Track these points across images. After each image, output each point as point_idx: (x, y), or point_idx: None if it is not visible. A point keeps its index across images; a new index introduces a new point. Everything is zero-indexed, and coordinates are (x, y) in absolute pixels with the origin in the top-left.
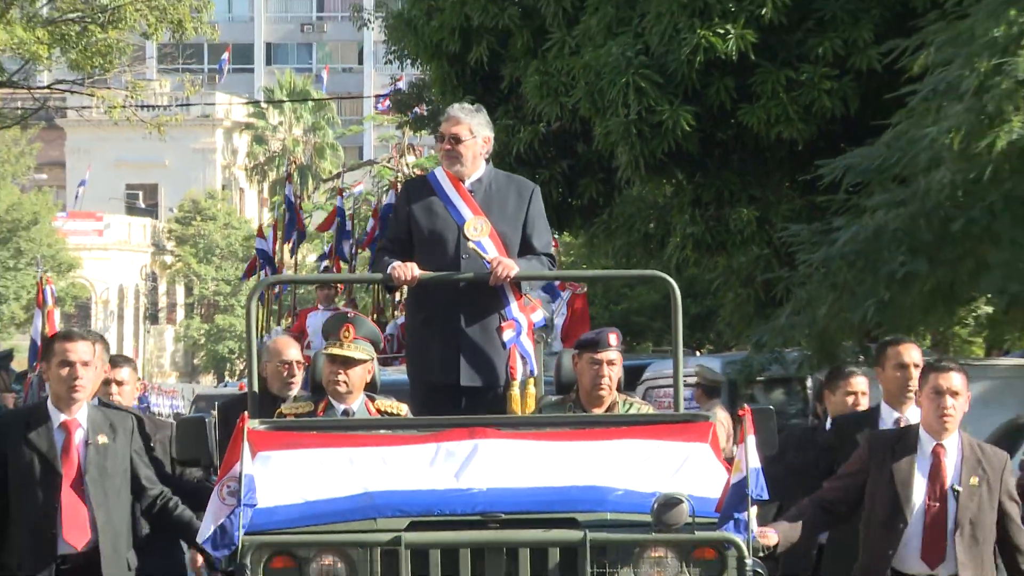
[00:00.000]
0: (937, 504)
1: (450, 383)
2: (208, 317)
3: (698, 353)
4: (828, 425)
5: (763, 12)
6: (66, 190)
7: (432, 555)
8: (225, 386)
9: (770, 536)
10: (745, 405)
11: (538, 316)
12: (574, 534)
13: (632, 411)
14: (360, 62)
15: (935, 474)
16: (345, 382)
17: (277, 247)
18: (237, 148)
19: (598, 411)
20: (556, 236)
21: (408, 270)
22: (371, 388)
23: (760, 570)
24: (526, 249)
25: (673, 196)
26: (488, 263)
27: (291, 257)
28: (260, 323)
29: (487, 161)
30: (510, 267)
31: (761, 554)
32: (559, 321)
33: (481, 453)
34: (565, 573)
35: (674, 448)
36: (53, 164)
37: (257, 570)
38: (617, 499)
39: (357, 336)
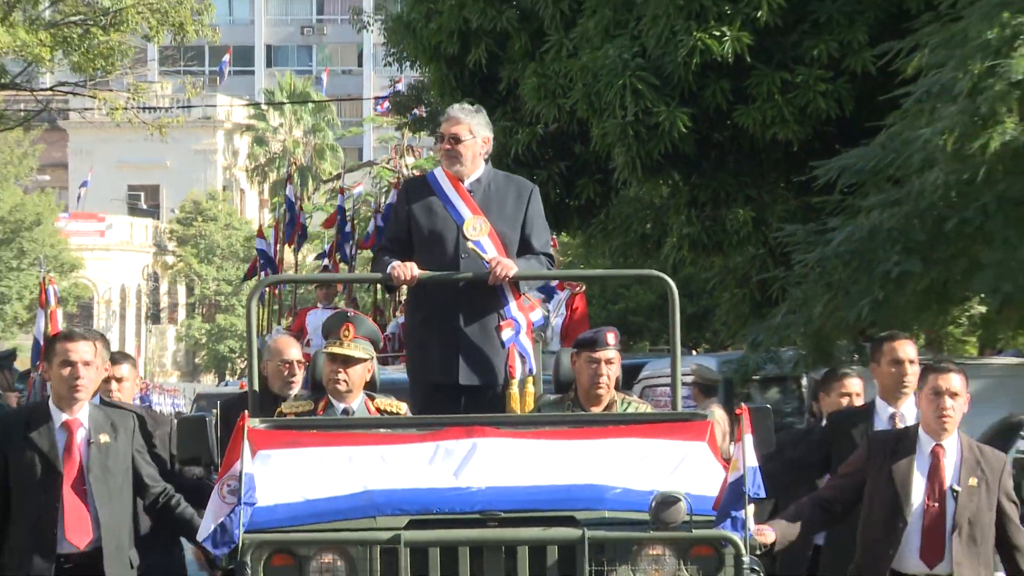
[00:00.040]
0: (936, 504)
1: (449, 382)
2: (209, 317)
3: (694, 352)
4: (824, 423)
5: (759, 15)
6: (68, 191)
7: (431, 553)
8: (226, 385)
9: (767, 534)
10: (742, 404)
11: (537, 315)
12: (572, 532)
13: (630, 410)
14: (360, 64)
15: (934, 474)
16: (345, 381)
17: (277, 247)
18: (238, 149)
19: (596, 410)
20: (554, 236)
21: (407, 270)
22: (371, 387)
23: (757, 568)
24: (525, 249)
25: (669, 197)
26: (487, 263)
27: (294, 256)
28: (260, 323)
29: (486, 161)
30: (509, 267)
31: (758, 552)
32: (558, 321)
33: (480, 452)
34: (563, 571)
35: (672, 447)
36: (56, 165)
37: (257, 568)
38: (615, 497)
39: (357, 335)
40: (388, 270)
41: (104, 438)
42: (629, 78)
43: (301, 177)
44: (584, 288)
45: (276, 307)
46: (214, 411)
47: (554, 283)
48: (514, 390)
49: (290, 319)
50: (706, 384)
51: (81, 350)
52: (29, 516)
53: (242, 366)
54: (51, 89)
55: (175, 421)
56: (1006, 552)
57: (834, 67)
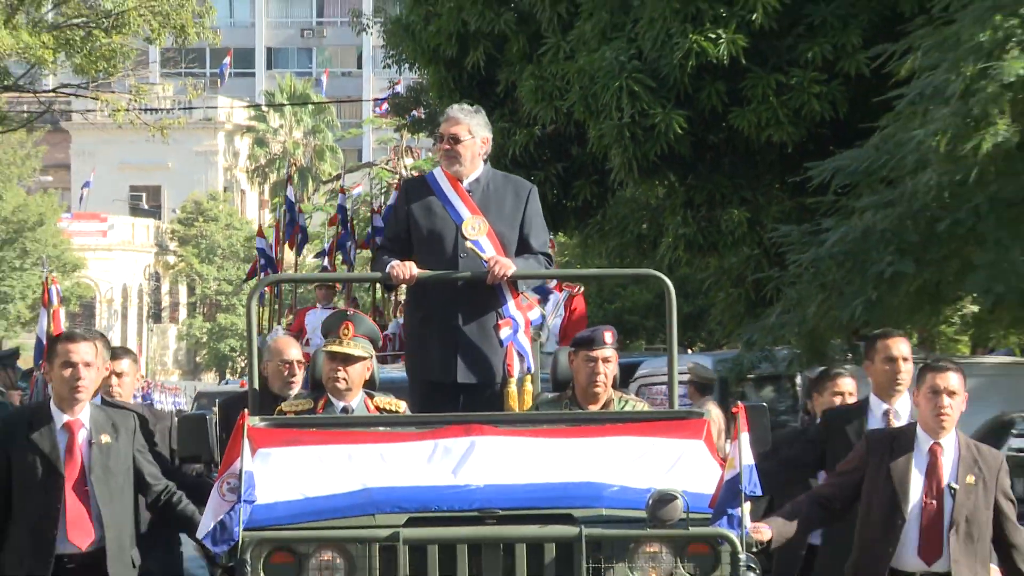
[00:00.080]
0: (934, 502)
1: (448, 380)
2: (210, 316)
3: (690, 351)
4: (818, 421)
5: (754, 17)
6: (71, 192)
7: (430, 551)
8: (227, 383)
9: (763, 532)
10: (739, 402)
11: (535, 314)
12: (570, 530)
13: (627, 408)
14: (359, 66)
15: (932, 472)
16: (344, 379)
17: (277, 248)
18: (238, 150)
19: (594, 408)
20: (551, 236)
21: (406, 269)
22: (370, 385)
23: (753, 565)
24: (523, 248)
25: (665, 198)
26: (485, 262)
27: (297, 256)
28: (261, 322)
29: (485, 161)
30: (507, 266)
31: (754, 549)
32: (556, 322)
33: (478, 450)
34: (561, 568)
35: (669, 445)
36: (58, 166)
37: (257, 565)
38: (612, 495)
39: (356, 334)
40: (387, 269)
41: (105, 438)
42: (625, 80)
43: (301, 178)
44: (582, 290)
45: (276, 307)
46: (214, 409)
47: (551, 285)
48: (512, 388)
49: (290, 317)
50: (702, 383)
51: (82, 351)
52: (30, 517)
53: (243, 365)
54: (54, 91)
55: (176, 418)
56: (1003, 550)
57: (828, 69)
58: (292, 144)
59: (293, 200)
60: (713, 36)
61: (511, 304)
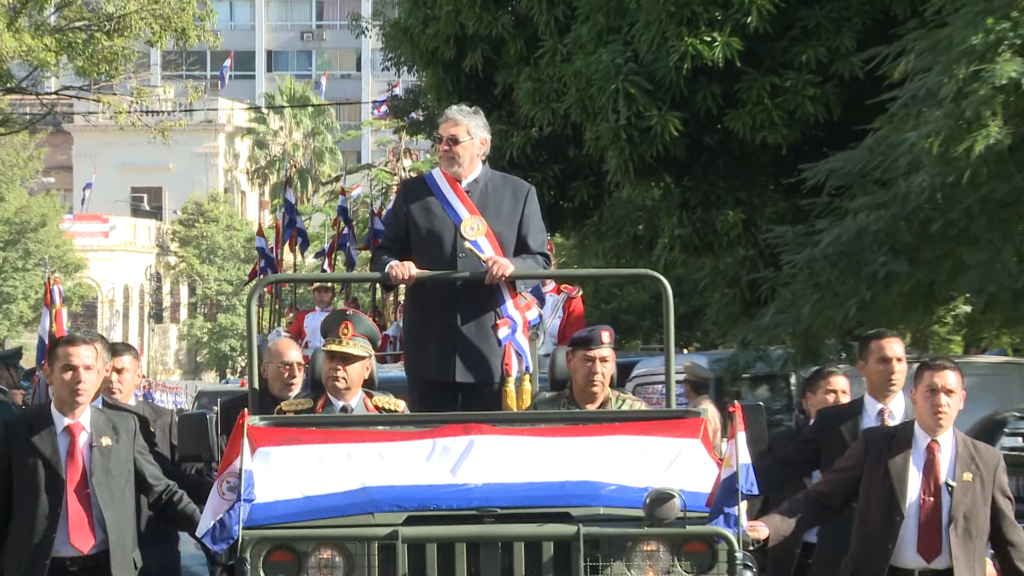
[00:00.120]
0: (931, 499)
1: (446, 380)
2: (211, 316)
3: (686, 351)
4: (812, 421)
5: (748, 21)
6: (73, 193)
7: (428, 549)
8: (227, 383)
9: (760, 530)
10: (736, 402)
11: (533, 314)
12: (568, 528)
13: (625, 407)
14: (358, 69)
15: (929, 469)
16: (344, 378)
17: (277, 249)
18: (239, 152)
19: (591, 407)
20: (548, 237)
21: (406, 269)
22: (369, 385)
23: (750, 563)
24: (521, 248)
25: (661, 199)
26: (484, 262)
27: (302, 256)
28: (261, 322)
29: (484, 162)
30: (505, 266)
31: (751, 547)
32: (555, 323)
33: (477, 449)
34: (559, 566)
35: (666, 444)
36: (60, 168)
37: (257, 564)
38: (610, 494)
39: (356, 333)
40: (386, 269)
41: (106, 441)
42: (622, 83)
43: (301, 179)
44: (580, 292)
45: (276, 307)
46: (215, 408)
47: (547, 289)
48: (510, 387)
49: (290, 316)
50: (698, 382)
51: (82, 354)
52: (30, 520)
53: (243, 364)
54: (56, 93)
55: (176, 415)
56: (1000, 548)
57: (822, 72)
58: (292, 146)
59: (292, 202)
60: (708, 39)
61: (509, 304)
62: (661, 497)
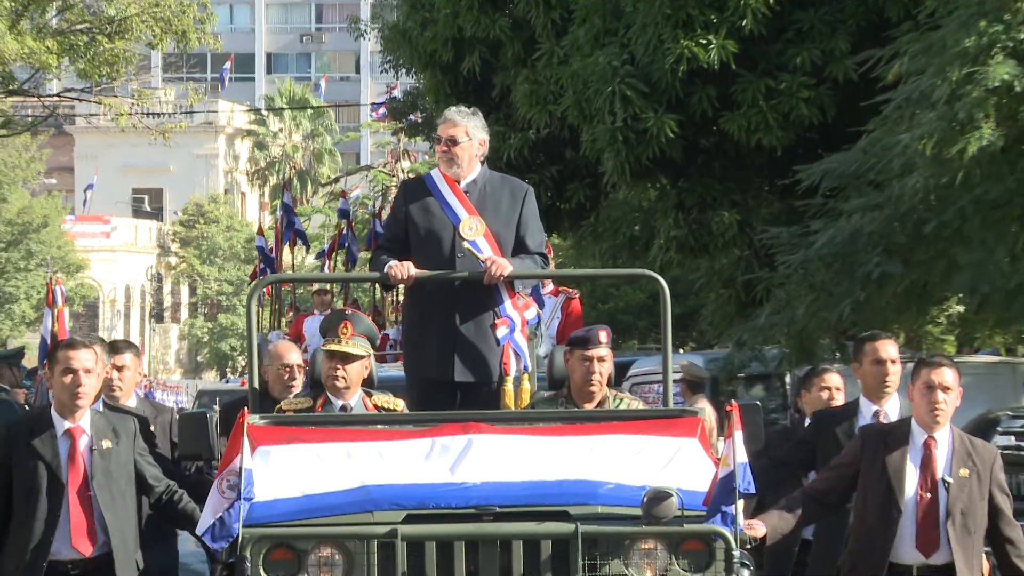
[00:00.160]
0: (928, 495)
1: (445, 379)
2: (211, 316)
3: (681, 351)
4: (808, 422)
5: (743, 23)
6: (75, 194)
7: (428, 547)
8: (227, 382)
9: (757, 528)
10: (733, 401)
11: (531, 313)
12: (566, 527)
13: (622, 406)
14: (357, 71)
15: (926, 465)
16: (343, 377)
17: (277, 250)
18: (239, 154)
19: (589, 406)
20: (546, 238)
21: (405, 269)
22: (368, 384)
23: (747, 562)
24: (520, 249)
25: (657, 200)
26: (482, 262)
27: (307, 250)
28: (261, 322)
29: (482, 163)
30: (504, 266)
31: (748, 546)
32: (554, 323)
33: (475, 447)
34: (557, 565)
35: (663, 443)
36: (62, 169)
37: (257, 561)
38: (608, 492)
39: (355, 333)
40: (386, 269)
41: (106, 444)
42: (618, 85)
43: (300, 180)
44: (579, 293)
45: (276, 307)
46: (215, 407)
47: (546, 291)
48: (509, 387)
49: (291, 315)
50: (694, 381)
51: (82, 358)
52: (30, 523)
53: (243, 364)
54: (58, 95)
55: (176, 414)
56: (997, 544)
57: (817, 74)
58: (291, 147)
59: (289, 204)
60: (704, 42)
61: (508, 304)
62: (659, 496)
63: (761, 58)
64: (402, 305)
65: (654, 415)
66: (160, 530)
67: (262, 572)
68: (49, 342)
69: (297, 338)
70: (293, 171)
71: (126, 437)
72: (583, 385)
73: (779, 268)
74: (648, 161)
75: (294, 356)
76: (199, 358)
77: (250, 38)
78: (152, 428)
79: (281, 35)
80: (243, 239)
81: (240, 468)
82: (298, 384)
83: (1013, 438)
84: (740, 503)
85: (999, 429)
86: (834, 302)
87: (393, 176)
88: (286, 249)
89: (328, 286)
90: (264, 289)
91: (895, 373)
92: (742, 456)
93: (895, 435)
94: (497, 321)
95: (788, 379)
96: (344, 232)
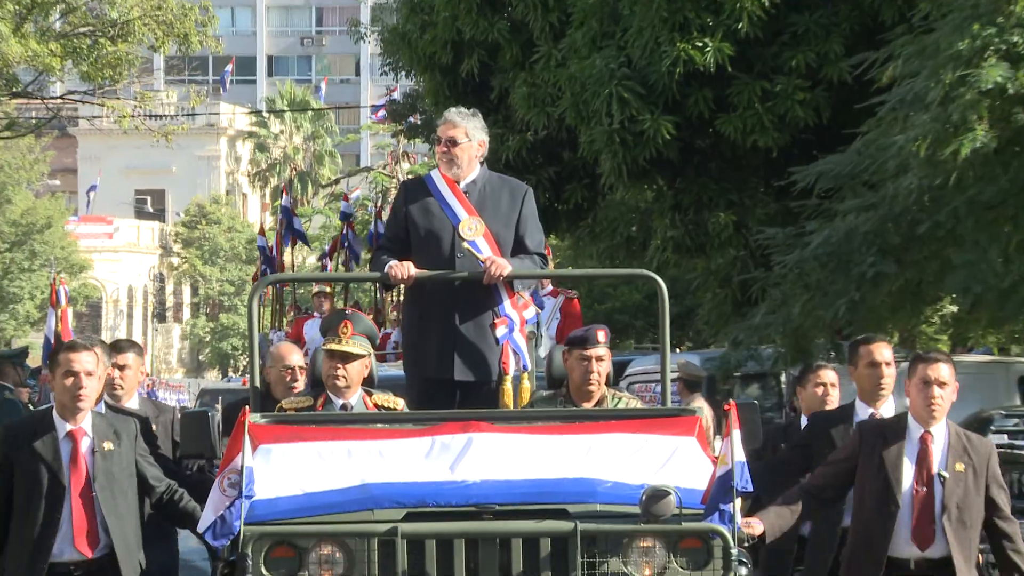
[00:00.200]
0: (924, 489)
1: (445, 378)
2: (213, 316)
3: (678, 350)
4: (803, 420)
5: (739, 26)
6: (78, 195)
7: (428, 545)
8: (229, 381)
9: (755, 526)
10: (731, 400)
11: (530, 313)
12: (565, 525)
13: (621, 405)
14: (357, 74)
15: (922, 460)
16: (344, 376)
17: (278, 250)
18: (240, 155)
19: (588, 405)
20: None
21: (405, 269)
22: (369, 383)
23: (744, 559)
24: (519, 249)
25: (654, 201)
26: (482, 262)
27: (309, 249)
28: (262, 321)
29: (482, 164)
30: (503, 266)
31: (746, 544)
32: (554, 323)
33: (475, 446)
34: (556, 563)
35: (662, 441)
36: (66, 171)
37: (258, 559)
38: (607, 491)
39: (355, 332)
40: (386, 269)
41: (108, 445)
42: (615, 87)
43: (301, 182)
44: (577, 294)
45: (277, 307)
46: (217, 406)
47: (545, 292)
48: (508, 386)
49: (292, 315)
50: (691, 380)
51: (84, 360)
52: (31, 524)
53: (244, 363)
54: (61, 98)
55: (178, 412)
56: (994, 539)
57: (812, 76)
58: (292, 149)
59: (288, 207)
60: (700, 44)
61: (507, 303)
62: (657, 494)
63: (757, 61)
64: (401, 304)
65: (652, 414)
66: (160, 529)
67: (263, 569)
68: (53, 341)
69: (297, 339)
70: (294, 172)
71: (127, 438)
72: (582, 384)
73: (775, 268)
74: (645, 162)
75: (296, 358)
76: (201, 357)
77: (251, 41)
78: (154, 428)
79: (282, 38)
80: (244, 240)
81: (241, 466)
82: (300, 385)
83: (1006, 437)
84: (738, 501)
85: (992, 428)
86: (829, 301)
87: (393, 177)
88: (287, 250)
89: (328, 289)
90: (265, 289)
91: (890, 376)
92: (740, 455)
93: (892, 430)
94: (496, 321)
95: (784, 378)
96: (345, 232)
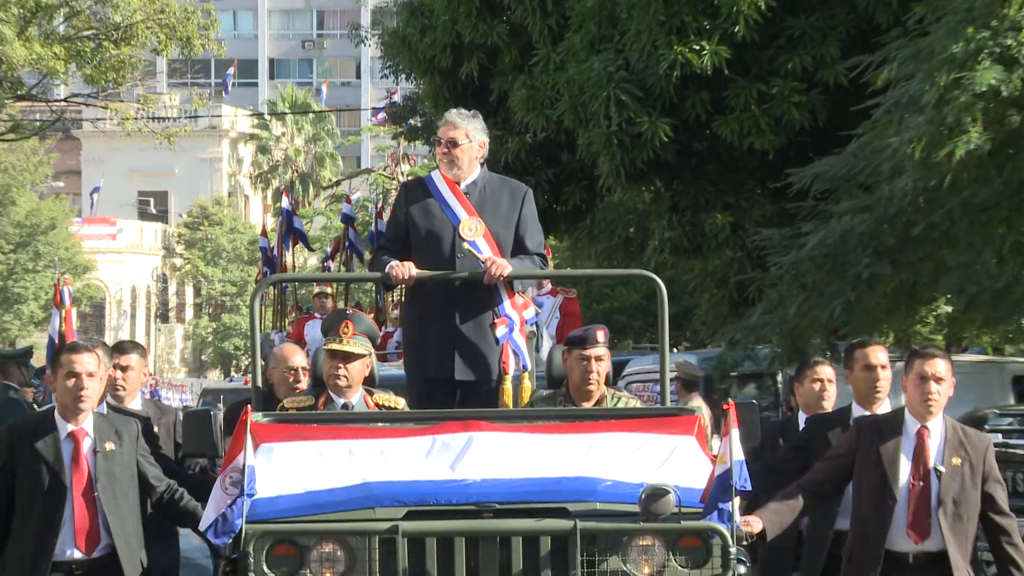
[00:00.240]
0: (921, 483)
1: (445, 377)
2: (215, 316)
3: (675, 350)
4: (801, 418)
5: (736, 30)
6: (82, 197)
7: (428, 543)
8: (231, 380)
9: (754, 525)
10: (729, 399)
11: (530, 313)
12: (565, 523)
13: (620, 405)
14: (358, 76)
15: (919, 454)
16: (345, 376)
17: (279, 251)
18: (242, 157)
19: (587, 405)
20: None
21: (406, 269)
22: (370, 382)
23: (743, 558)
24: (519, 249)
25: (652, 203)
26: (482, 262)
27: (309, 250)
28: (264, 321)
29: (482, 165)
30: (503, 266)
31: (744, 542)
32: (554, 323)
33: (475, 445)
34: (556, 561)
35: (661, 440)
36: (69, 173)
37: (260, 557)
38: (606, 490)
39: (356, 332)
40: (387, 269)
41: (109, 446)
42: (613, 90)
43: (302, 183)
44: (576, 294)
45: (278, 307)
46: (219, 405)
47: (544, 291)
48: (508, 385)
49: (293, 316)
50: (688, 380)
51: (85, 362)
52: (33, 525)
53: (246, 363)
54: (65, 100)
55: (180, 413)
56: (991, 534)
57: (808, 79)
58: (293, 151)
59: (288, 209)
60: (697, 48)
61: (507, 303)
62: (656, 493)
63: (753, 64)
64: (403, 304)
65: (652, 413)
66: (162, 530)
67: (265, 567)
68: (57, 342)
69: (299, 339)
70: (295, 174)
71: (128, 439)
72: (581, 384)
73: (771, 269)
74: (643, 164)
75: (298, 359)
76: (203, 357)
77: (253, 44)
78: (156, 429)
79: (283, 41)
80: (246, 241)
81: (243, 465)
82: (303, 386)
83: (1000, 436)
84: (736, 500)
85: (987, 427)
86: (825, 302)
87: (393, 179)
88: (288, 251)
89: (329, 289)
90: (267, 290)
91: (885, 379)
92: (739, 454)
93: (889, 425)
94: (496, 320)
95: (780, 377)
96: (348, 234)
